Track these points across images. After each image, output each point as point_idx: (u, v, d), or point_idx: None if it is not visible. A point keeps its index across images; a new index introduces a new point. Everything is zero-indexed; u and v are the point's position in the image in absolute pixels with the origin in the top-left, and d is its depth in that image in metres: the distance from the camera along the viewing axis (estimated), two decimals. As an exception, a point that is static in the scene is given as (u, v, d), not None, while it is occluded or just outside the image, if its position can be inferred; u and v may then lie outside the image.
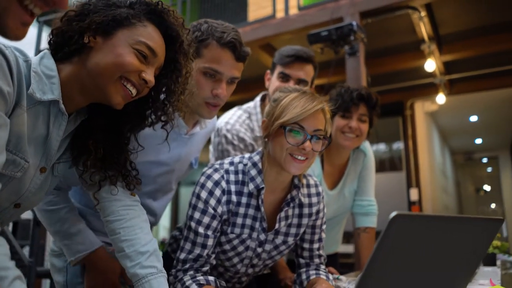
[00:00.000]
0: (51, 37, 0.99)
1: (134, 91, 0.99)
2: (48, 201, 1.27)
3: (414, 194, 6.22)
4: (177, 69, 1.08)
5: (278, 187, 1.36)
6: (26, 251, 4.08)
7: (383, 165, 6.73)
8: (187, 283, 1.22)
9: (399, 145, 6.77)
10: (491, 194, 12.48)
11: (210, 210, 1.29)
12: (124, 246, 1.09)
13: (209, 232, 1.28)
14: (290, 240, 1.42)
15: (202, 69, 1.34)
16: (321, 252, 1.48)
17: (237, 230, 1.33)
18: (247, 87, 4.54)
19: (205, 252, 1.28)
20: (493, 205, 12.39)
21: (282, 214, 1.36)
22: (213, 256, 1.32)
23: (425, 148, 6.73)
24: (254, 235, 1.35)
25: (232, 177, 1.34)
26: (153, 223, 1.51)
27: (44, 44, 5.61)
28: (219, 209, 1.30)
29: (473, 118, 8.46)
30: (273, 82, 1.94)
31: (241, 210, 1.33)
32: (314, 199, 1.44)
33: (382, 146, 6.98)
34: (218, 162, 1.39)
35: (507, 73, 5.59)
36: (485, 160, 12.39)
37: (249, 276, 1.50)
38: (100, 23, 0.95)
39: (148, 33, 0.99)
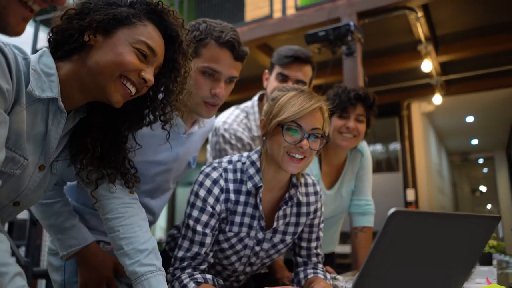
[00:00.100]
0: (50, 35, 0.99)
1: (133, 90, 1.00)
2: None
3: (410, 195, 6.24)
4: (176, 69, 1.09)
5: (276, 185, 1.37)
6: (22, 251, 4.06)
7: (379, 166, 6.75)
8: (184, 281, 1.22)
9: (395, 146, 6.80)
10: (487, 195, 12.56)
11: (209, 208, 1.29)
12: (123, 244, 1.09)
13: (207, 231, 1.29)
14: (288, 238, 1.42)
15: (201, 69, 1.34)
16: (318, 251, 1.49)
17: (235, 229, 1.34)
18: (244, 87, 4.54)
19: (203, 250, 1.28)
20: (489, 206, 12.46)
21: (280, 212, 1.37)
22: (211, 254, 1.32)
23: (421, 149, 6.75)
24: (252, 233, 1.35)
25: (230, 176, 1.34)
26: (151, 222, 1.52)
27: (41, 43, 5.60)
28: (218, 208, 1.31)
29: (469, 119, 8.50)
30: (271, 82, 1.94)
31: (239, 208, 1.33)
32: (312, 198, 1.44)
33: (378, 147, 6.99)
34: (217, 160, 1.39)
35: (504, 74, 5.62)
36: (481, 160, 12.46)
37: (247, 274, 1.50)
38: (100, 22, 0.96)
39: (148, 33, 1.00)
